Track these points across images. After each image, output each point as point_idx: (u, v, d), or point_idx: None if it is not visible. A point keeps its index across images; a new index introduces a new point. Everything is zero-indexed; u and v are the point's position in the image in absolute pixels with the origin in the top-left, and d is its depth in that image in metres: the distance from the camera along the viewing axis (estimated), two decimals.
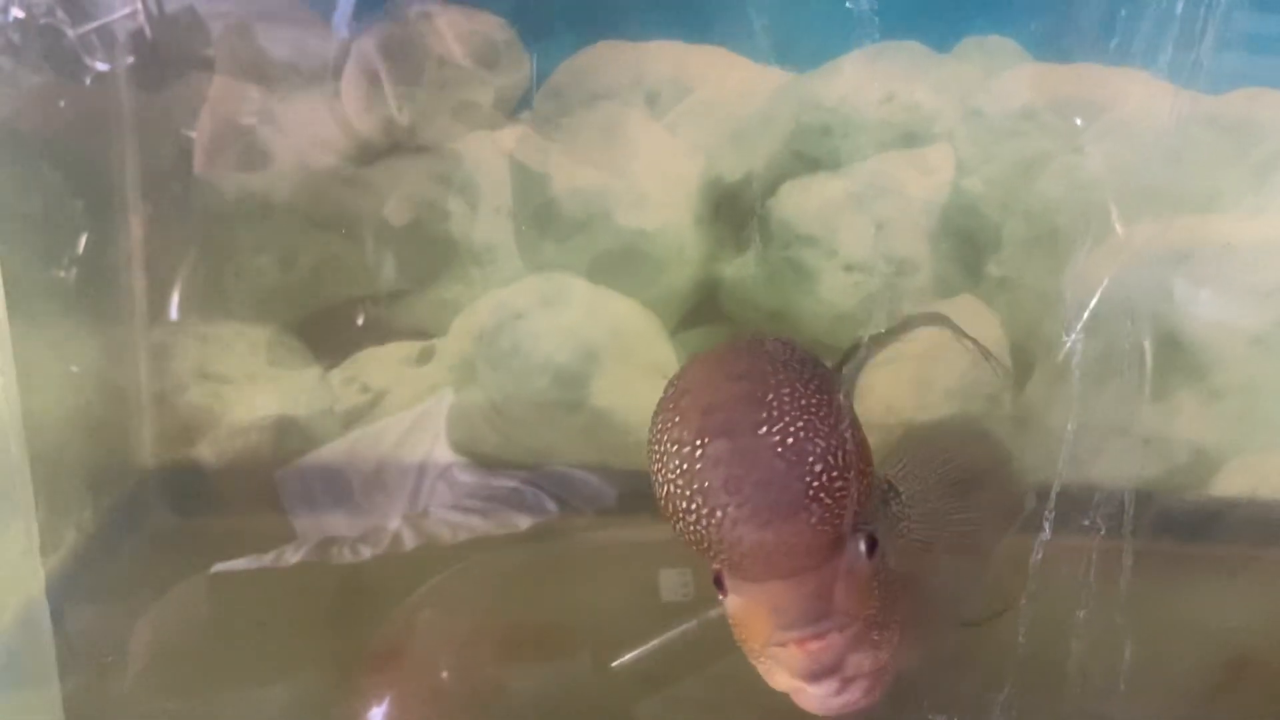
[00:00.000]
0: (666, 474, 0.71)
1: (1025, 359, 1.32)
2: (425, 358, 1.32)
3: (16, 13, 1.11)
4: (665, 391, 0.77)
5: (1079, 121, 1.24)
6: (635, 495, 1.32)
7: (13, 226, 1.07)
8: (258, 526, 1.25)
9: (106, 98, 1.20)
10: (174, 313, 1.26)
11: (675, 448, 0.70)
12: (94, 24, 1.16)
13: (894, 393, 1.33)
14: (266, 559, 1.19)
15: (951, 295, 1.31)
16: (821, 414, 0.72)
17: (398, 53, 1.21)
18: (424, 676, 1.09)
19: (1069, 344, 1.16)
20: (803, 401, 0.72)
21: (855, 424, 0.75)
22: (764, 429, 0.70)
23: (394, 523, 1.26)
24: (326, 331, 1.29)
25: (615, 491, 1.31)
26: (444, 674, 1.10)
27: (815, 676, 0.72)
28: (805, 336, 1.33)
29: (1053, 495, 1.15)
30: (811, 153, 1.26)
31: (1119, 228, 1.19)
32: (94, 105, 1.20)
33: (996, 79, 1.25)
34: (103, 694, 1.06)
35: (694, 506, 0.69)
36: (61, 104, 1.18)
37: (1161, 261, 1.26)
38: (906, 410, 1.33)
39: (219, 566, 1.17)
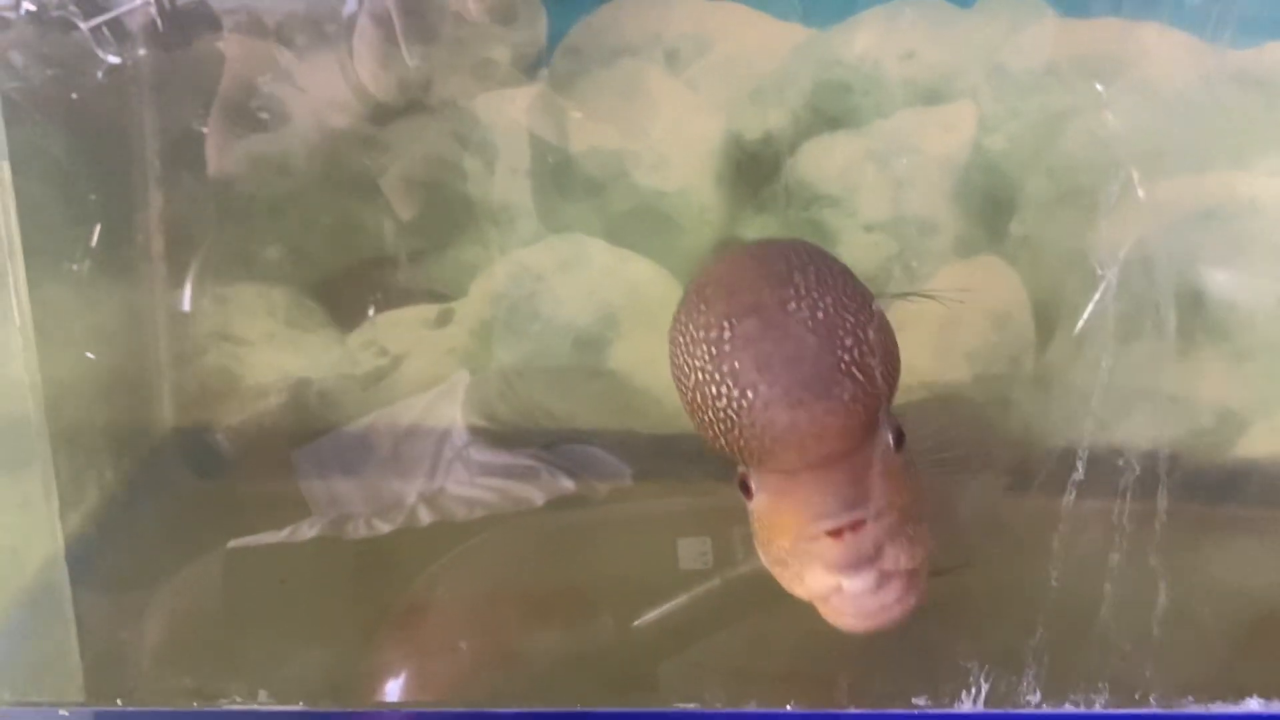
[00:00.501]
0: (694, 363, 0.70)
1: (1048, 319, 1.31)
2: (444, 320, 1.31)
3: (28, 5, 1.11)
4: (687, 290, 0.76)
5: (1101, 84, 1.22)
6: (656, 462, 1.32)
7: (32, 189, 1.07)
8: (277, 489, 1.26)
9: (124, 60, 1.19)
10: (190, 284, 1.26)
11: (702, 333, 0.69)
12: (107, 16, 1.14)
13: (914, 356, 1.31)
14: (282, 534, 1.19)
15: (973, 255, 1.29)
16: (849, 292, 0.72)
17: (413, 10, 1.20)
18: (447, 635, 1.09)
19: (1094, 302, 1.15)
20: (829, 281, 0.72)
21: (882, 315, 0.75)
22: (792, 304, 0.69)
23: (410, 499, 1.26)
24: (344, 294, 1.29)
25: (631, 469, 1.31)
26: (466, 634, 1.10)
27: (853, 566, 0.70)
28: None
29: (1080, 457, 1.15)
30: (832, 111, 1.25)
31: (1140, 190, 1.18)
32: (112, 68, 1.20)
33: (1019, 34, 1.23)
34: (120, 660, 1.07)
35: (724, 391, 0.68)
36: (81, 69, 1.18)
37: (1186, 220, 1.25)
38: (928, 373, 1.33)
39: (235, 543, 1.17)
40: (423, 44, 1.21)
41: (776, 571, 0.76)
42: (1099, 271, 1.15)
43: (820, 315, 0.69)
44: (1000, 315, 1.31)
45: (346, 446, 1.30)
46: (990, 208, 1.29)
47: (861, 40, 1.21)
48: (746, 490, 0.75)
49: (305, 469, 1.28)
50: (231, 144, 1.23)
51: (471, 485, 1.28)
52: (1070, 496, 1.17)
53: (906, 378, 1.32)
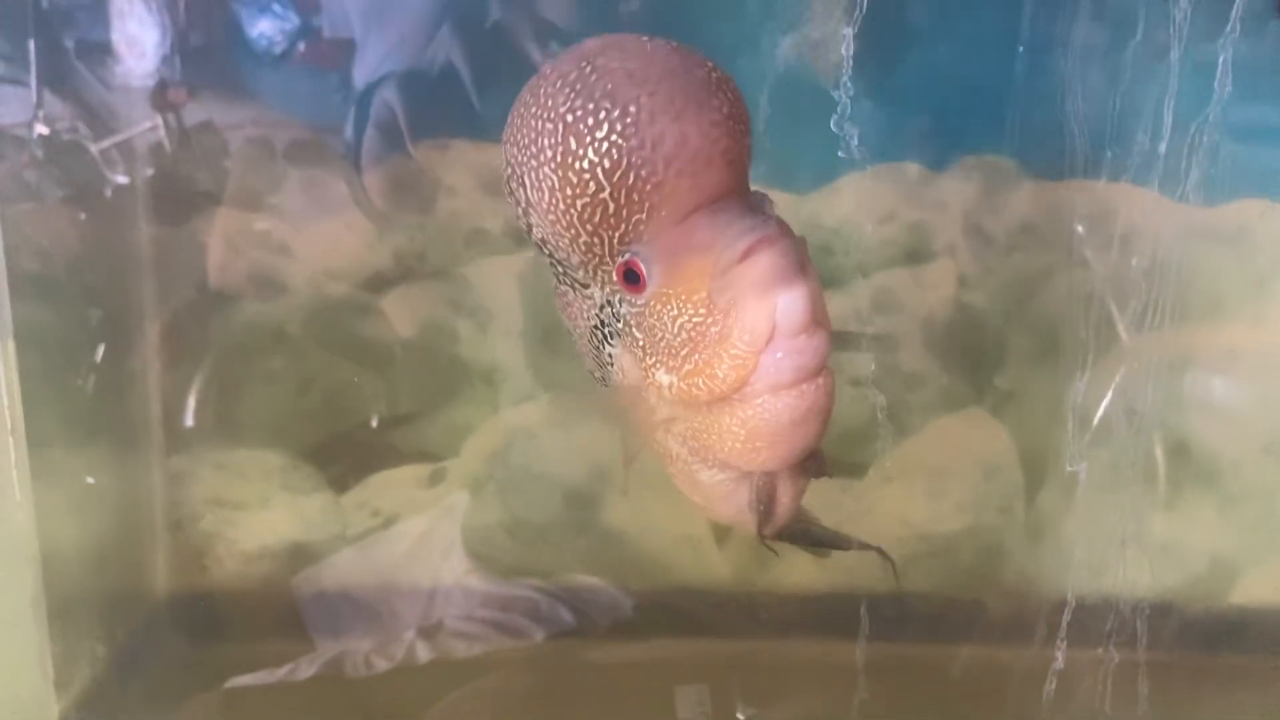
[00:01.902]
0: (559, 125, 0.62)
1: (1037, 469, 1.32)
2: (437, 480, 1.32)
3: (41, 129, 1.15)
4: (519, 97, 0.67)
5: (1080, 229, 1.26)
6: (651, 612, 1.32)
7: (33, 359, 1.09)
8: (270, 652, 1.24)
9: (125, 228, 1.23)
10: (189, 442, 1.27)
11: (559, 84, 0.63)
12: (116, 139, 1.19)
13: (907, 506, 1.33)
14: (281, 673, 1.19)
15: (959, 408, 1.31)
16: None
17: (410, 183, 1.24)
18: None
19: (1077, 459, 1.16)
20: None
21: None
22: (648, 40, 0.65)
23: (408, 634, 1.26)
24: (339, 456, 1.30)
25: (631, 601, 1.31)
26: None
27: (789, 275, 0.61)
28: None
29: (1067, 608, 1.15)
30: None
31: (1123, 339, 1.21)
32: (113, 235, 1.24)
33: (995, 196, 1.27)
34: None
35: (603, 119, 0.61)
36: (82, 231, 1.21)
37: (1168, 370, 1.27)
38: (921, 524, 1.33)
39: (234, 681, 1.17)
40: (419, 215, 1.26)
41: (684, 382, 0.66)
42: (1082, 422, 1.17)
43: (676, 45, 0.65)
44: (989, 466, 1.32)
45: (346, 571, 1.30)
46: (974, 362, 1.31)
47: (841, 204, 1.25)
48: (635, 280, 0.65)
49: (302, 601, 1.28)
50: (230, 312, 1.26)
51: (469, 619, 1.28)
52: (1063, 646, 1.17)
53: (899, 529, 1.34)
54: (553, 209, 0.65)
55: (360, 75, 1.21)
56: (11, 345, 1.05)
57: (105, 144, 1.19)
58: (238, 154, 1.23)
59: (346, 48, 1.20)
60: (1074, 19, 1.10)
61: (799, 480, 0.75)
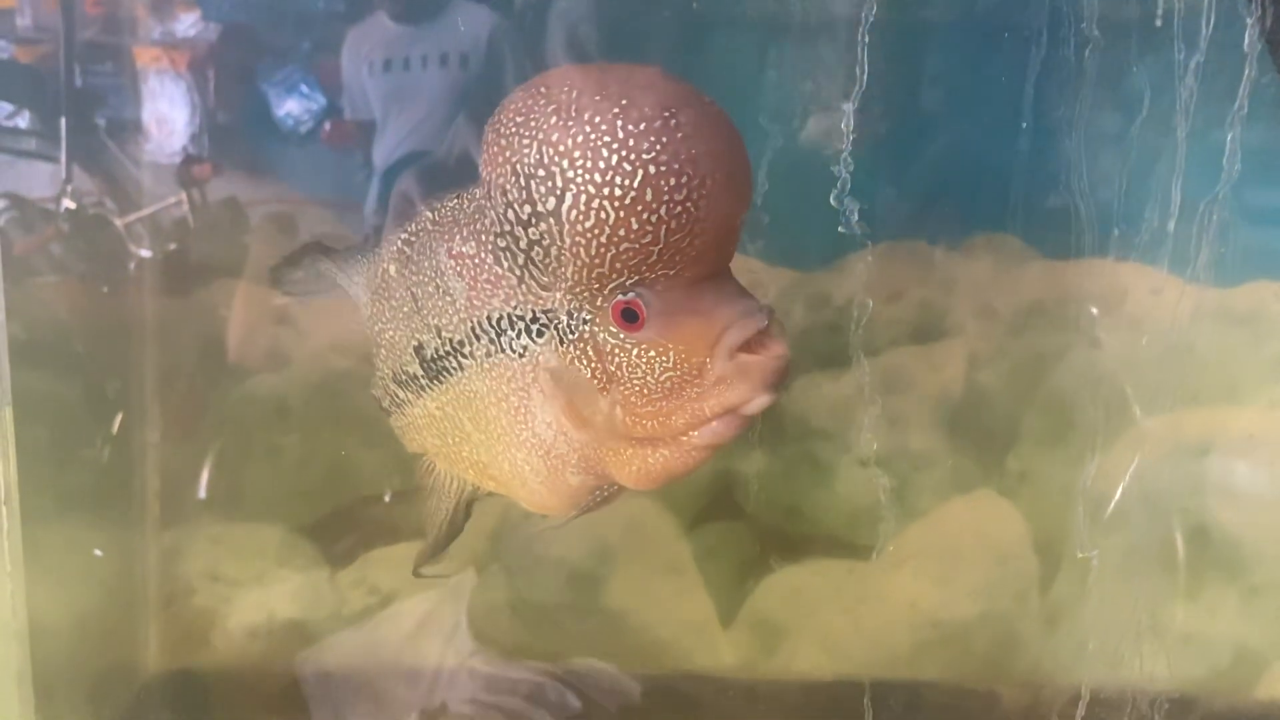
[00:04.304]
0: (638, 164, 0.64)
1: (1052, 555, 1.28)
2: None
3: (68, 203, 1.18)
4: (555, 98, 0.67)
5: (1094, 311, 1.24)
6: (655, 697, 1.28)
7: (30, 428, 1.09)
8: None
9: (129, 298, 1.24)
10: (185, 515, 1.26)
11: (643, 127, 0.64)
12: (141, 213, 1.22)
13: (917, 590, 1.30)
14: None
15: (970, 490, 1.29)
16: None
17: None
18: None
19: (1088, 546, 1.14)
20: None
21: None
22: (708, 100, 0.67)
23: (411, 718, 1.23)
24: (337, 532, 1.29)
25: (640, 687, 1.27)
26: None
27: (778, 380, 0.67)
28: (823, 532, 1.31)
29: (1082, 702, 1.11)
30: (822, 349, 1.27)
31: (1138, 418, 1.18)
32: (120, 307, 1.24)
33: (1005, 275, 1.26)
34: None
35: (683, 183, 0.64)
36: (88, 301, 1.22)
37: (1184, 454, 1.24)
38: (932, 611, 1.30)
39: None
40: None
41: (633, 418, 0.70)
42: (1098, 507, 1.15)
43: (722, 110, 0.68)
44: (1002, 551, 1.29)
45: (348, 652, 1.27)
46: (985, 443, 1.29)
47: (849, 282, 1.24)
48: (633, 320, 0.68)
49: (306, 678, 1.25)
50: (231, 385, 1.25)
51: (474, 704, 1.24)
52: None
53: (912, 617, 1.31)
54: (590, 236, 0.65)
55: (380, 155, 1.22)
56: (9, 414, 1.05)
57: (130, 218, 1.22)
58: (258, 230, 1.24)
59: (367, 129, 1.22)
60: (1080, 96, 1.10)
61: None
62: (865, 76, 0.81)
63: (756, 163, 0.81)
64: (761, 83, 1.17)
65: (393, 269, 0.80)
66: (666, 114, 0.64)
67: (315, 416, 1.26)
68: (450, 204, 0.75)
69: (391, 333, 0.82)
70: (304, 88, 1.22)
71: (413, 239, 0.77)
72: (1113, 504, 1.17)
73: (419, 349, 0.80)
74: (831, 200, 0.82)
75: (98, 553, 1.23)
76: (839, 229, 0.83)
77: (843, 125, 0.81)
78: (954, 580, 1.29)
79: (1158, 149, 1.01)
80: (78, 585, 1.19)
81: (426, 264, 0.77)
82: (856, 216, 0.81)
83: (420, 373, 0.80)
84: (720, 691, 1.29)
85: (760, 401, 0.67)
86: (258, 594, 1.27)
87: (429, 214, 0.76)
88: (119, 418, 1.24)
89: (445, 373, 0.78)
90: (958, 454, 1.28)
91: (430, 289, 0.77)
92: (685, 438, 0.70)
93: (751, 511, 1.32)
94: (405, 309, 0.80)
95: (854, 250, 1.23)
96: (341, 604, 1.28)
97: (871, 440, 1.18)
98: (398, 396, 0.85)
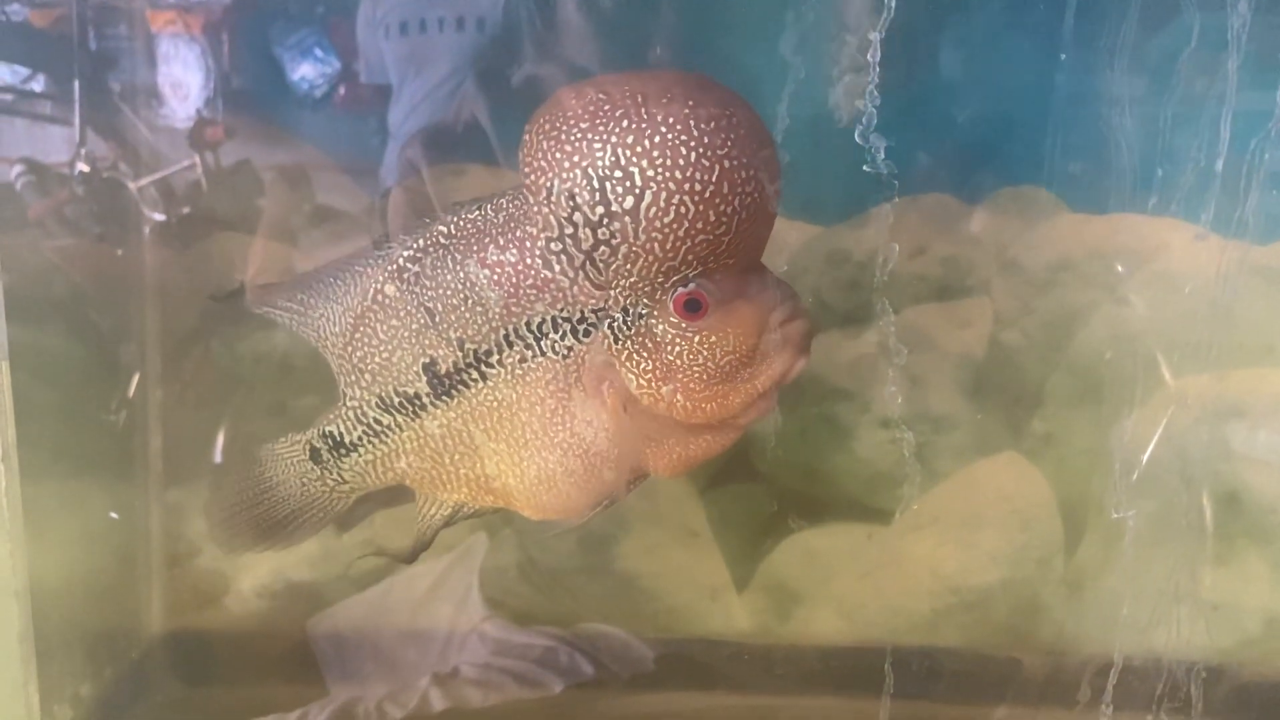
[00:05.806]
0: (715, 159, 0.68)
1: (1077, 519, 1.25)
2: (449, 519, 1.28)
3: (82, 166, 1.18)
4: (620, 107, 0.70)
5: (1120, 269, 1.20)
6: (670, 663, 1.26)
7: (28, 387, 1.07)
8: (266, 696, 1.20)
9: (130, 255, 1.22)
10: (189, 475, 1.24)
11: (712, 125, 0.69)
12: (154, 176, 1.21)
13: (938, 556, 1.27)
14: (291, 718, 1.15)
15: (994, 452, 1.25)
16: None
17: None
18: None
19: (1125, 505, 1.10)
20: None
21: None
22: (741, 97, 0.72)
23: (423, 681, 1.21)
24: None
25: (653, 653, 1.26)
26: None
27: (808, 344, 0.76)
28: (842, 494, 1.28)
29: (1114, 669, 1.08)
30: (841, 306, 1.23)
31: (1169, 379, 1.14)
32: (122, 264, 1.22)
33: (1032, 230, 1.22)
34: None
35: (750, 175, 0.69)
36: (90, 259, 1.20)
37: (1216, 416, 1.20)
38: (953, 577, 1.27)
39: None
40: None
41: (693, 401, 0.75)
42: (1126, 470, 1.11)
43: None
44: (1026, 516, 1.26)
45: (361, 615, 1.26)
46: (1010, 404, 1.25)
47: (869, 237, 1.21)
48: (696, 310, 0.73)
49: (318, 638, 1.24)
50: (235, 342, 1.23)
51: (486, 668, 1.23)
52: (1108, 711, 1.10)
53: (932, 583, 1.28)
54: (668, 230, 0.70)
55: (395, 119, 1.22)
56: (5, 368, 1.02)
57: (144, 181, 1.21)
58: (271, 192, 1.23)
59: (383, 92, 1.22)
60: (1119, 33, 1.05)
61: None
62: (894, 3, 0.77)
63: (777, 99, 0.79)
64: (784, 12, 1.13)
65: (390, 289, 0.79)
66: (728, 112, 0.69)
67: (321, 375, 1.24)
68: (471, 215, 0.76)
69: (385, 355, 0.81)
70: (319, 51, 1.22)
71: (420, 255, 0.77)
72: (1139, 467, 1.14)
73: (430, 366, 0.80)
74: (856, 137, 0.79)
75: (113, 515, 1.21)
76: (864, 168, 0.80)
77: (869, 56, 0.78)
78: (976, 545, 1.26)
79: (1203, 95, 0.97)
80: (80, 545, 1.18)
81: (447, 277, 0.77)
82: (883, 154, 0.78)
83: (425, 391, 0.80)
84: (735, 656, 1.27)
85: (801, 364, 0.75)
86: (262, 555, 1.24)
87: (440, 228, 0.77)
88: (135, 379, 1.22)
89: (461, 386, 0.79)
90: (981, 415, 1.25)
91: (454, 301, 0.77)
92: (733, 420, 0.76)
93: (768, 474, 1.29)
94: (414, 327, 0.79)
95: (875, 203, 1.20)
96: (347, 565, 1.26)
97: (895, 398, 1.14)
98: (377, 424, 0.83)
